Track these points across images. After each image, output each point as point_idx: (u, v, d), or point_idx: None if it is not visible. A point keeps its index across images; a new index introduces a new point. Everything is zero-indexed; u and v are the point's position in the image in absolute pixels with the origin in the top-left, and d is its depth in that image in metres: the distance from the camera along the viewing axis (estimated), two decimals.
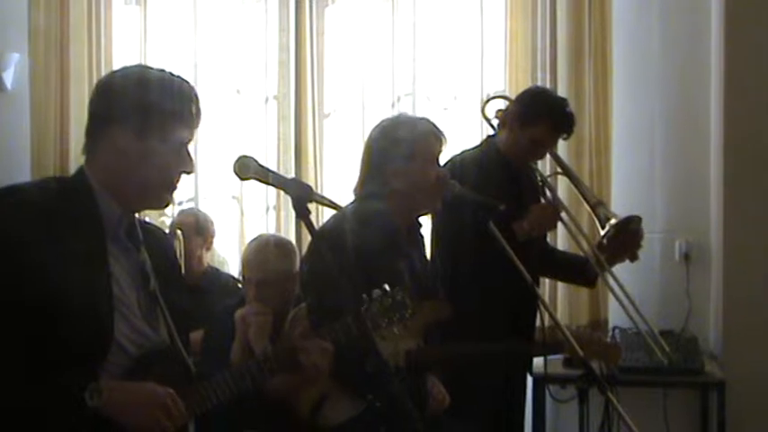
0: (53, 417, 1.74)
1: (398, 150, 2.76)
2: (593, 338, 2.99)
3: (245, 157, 1.97)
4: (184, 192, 4.60)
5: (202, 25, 4.68)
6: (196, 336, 3.03)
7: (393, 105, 4.57)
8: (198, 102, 1.96)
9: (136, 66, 2.06)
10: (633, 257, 3.41)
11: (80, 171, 1.93)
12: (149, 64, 2.23)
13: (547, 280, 4.14)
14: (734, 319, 4.07)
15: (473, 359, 2.97)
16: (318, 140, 4.61)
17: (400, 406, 1.95)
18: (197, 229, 4.04)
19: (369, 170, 2.84)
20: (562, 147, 3.84)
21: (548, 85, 4.20)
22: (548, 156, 3.63)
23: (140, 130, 1.87)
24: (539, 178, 3.49)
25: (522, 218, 3.20)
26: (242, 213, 4.63)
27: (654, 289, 4.21)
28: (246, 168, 1.95)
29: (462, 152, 3.41)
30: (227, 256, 4.59)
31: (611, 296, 3.75)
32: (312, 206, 1.97)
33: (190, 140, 1.95)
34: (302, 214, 1.97)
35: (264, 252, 3.14)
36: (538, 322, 3.38)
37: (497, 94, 3.90)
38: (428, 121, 2.88)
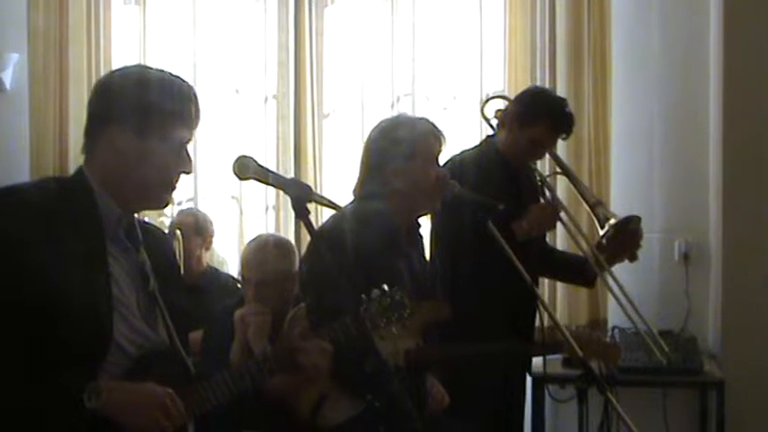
0: (52, 417, 1.74)
1: (398, 150, 2.76)
2: (593, 338, 2.99)
3: (245, 157, 1.97)
4: (184, 192, 4.60)
5: (201, 25, 4.68)
6: (195, 336, 3.03)
7: (392, 105, 4.57)
8: (197, 102, 1.96)
9: (135, 66, 2.06)
10: (632, 257, 3.41)
11: (79, 171, 1.93)
12: (148, 64, 2.23)
13: (546, 280, 4.14)
14: (733, 319, 4.07)
15: (472, 359, 2.97)
16: (318, 140, 4.61)
17: (399, 406, 1.96)
18: (196, 229, 4.05)
19: (368, 170, 2.84)
20: (561, 147, 3.84)
21: (547, 85, 4.20)
22: (547, 156, 3.63)
23: (139, 130, 1.87)
24: (538, 178, 3.49)
25: (521, 218, 3.20)
26: (241, 213, 4.63)
27: (653, 289, 4.22)
28: (246, 168, 1.96)
29: (461, 152, 3.41)
30: (227, 256, 4.60)
31: (610, 296, 3.75)
32: (311, 206, 1.97)
33: (189, 140, 1.95)
34: (301, 214, 1.97)
35: (264, 252, 3.14)
36: (537, 322, 3.39)
37: (496, 94, 3.90)
38: (427, 121, 2.88)
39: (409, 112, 4.26)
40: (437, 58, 4.59)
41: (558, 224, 3.48)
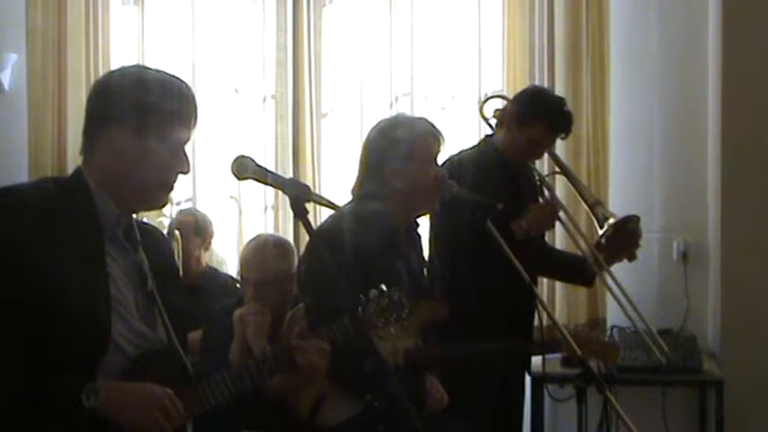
0: (51, 417, 1.73)
1: (397, 150, 2.76)
2: (592, 337, 2.99)
3: (243, 156, 1.97)
4: (183, 192, 4.60)
5: (200, 25, 4.68)
6: (195, 336, 3.03)
7: (391, 105, 4.57)
8: (195, 102, 1.96)
9: (133, 66, 2.06)
10: (631, 257, 3.41)
11: (77, 171, 1.92)
12: (147, 64, 2.24)
13: (545, 279, 4.14)
14: (732, 318, 4.07)
15: (471, 358, 2.97)
16: (316, 140, 4.61)
17: (399, 405, 1.96)
18: (195, 229, 4.04)
19: (367, 170, 2.84)
20: (560, 146, 3.84)
21: (545, 85, 4.20)
22: (546, 155, 3.63)
23: (138, 131, 1.87)
24: (537, 178, 3.49)
25: (520, 217, 3.20)
26: (240, 213, 4.63)
27: (652, 288, 4.22)
28: (244, 168, 1.96)
29: (460, 152, 3.41)
30: (226, 255, 4.59)
31: (609, 295, 3.75)
32: (310, 206, 1.98)
33: (187, 141, 1.95)
34: (300, 214, 1.98)
35: (263, 252, 3.14)
36: (536, 321, 3.39)
37: (495, 94, 3.90)
38: (426, 120, 2.88)
39: (408, 112, 4.26)
40: (435, 58, 4.58)
41: (557, 223, 3.48)
